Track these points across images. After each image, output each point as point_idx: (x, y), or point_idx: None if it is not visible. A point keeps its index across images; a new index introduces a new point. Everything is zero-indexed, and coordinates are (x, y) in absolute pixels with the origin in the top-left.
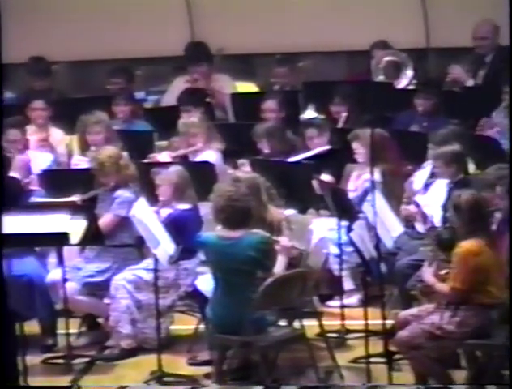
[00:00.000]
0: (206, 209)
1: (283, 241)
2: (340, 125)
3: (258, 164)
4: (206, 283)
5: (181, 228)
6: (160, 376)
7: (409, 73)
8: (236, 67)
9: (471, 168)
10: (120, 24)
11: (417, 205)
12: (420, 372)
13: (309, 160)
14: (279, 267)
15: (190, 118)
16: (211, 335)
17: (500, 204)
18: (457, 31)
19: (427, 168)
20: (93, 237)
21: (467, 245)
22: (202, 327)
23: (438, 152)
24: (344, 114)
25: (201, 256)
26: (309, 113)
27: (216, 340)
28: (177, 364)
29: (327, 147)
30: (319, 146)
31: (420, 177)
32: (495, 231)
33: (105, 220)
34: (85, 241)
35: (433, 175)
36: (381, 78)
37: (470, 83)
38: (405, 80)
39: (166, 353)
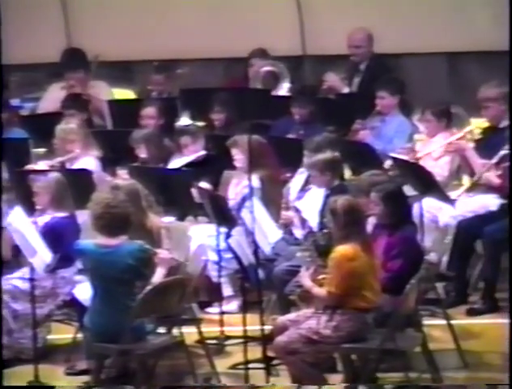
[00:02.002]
0: (84, 217)
1: (163, 253)
2: (218, 131)
3: (136, 171)
4: (84, 291)
5: (59, 237)
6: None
7: (286, 85)
8: (113, 74)
9: (347, 174)
10: None
11: (296, 210)
12: (296, 376)
13: (187, 167)
14: (158, 277)
15: (68, 125)
16: (90, 343)
17: (374, 209)
18: (333, 39)
19: (303, 174)
20: None
21: (342, 250)
22: (80, 336)
23: (312, 160)
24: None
25: (79, 264)
26: (185, 121)
27: (95, 349)
28: (55, 374)
29: (203, 153)
30: (194, 153)
31: (297, 183)
32: (369, 236)
33: None
34: None
35: (308, 182)
36: (259, 87)
37: (345, 90)
38: (282, 91)
39: (43, 363)
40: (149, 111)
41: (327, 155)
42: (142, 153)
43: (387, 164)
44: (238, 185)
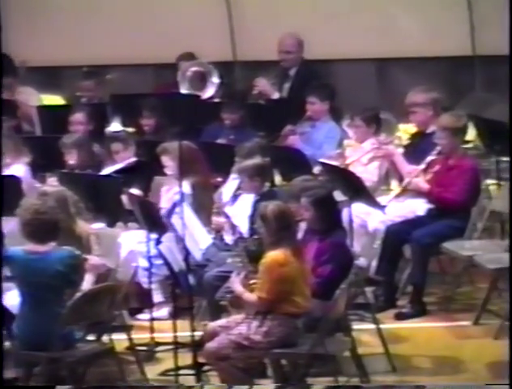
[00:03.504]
0: (12, 224)
1: (93, 259)
2: (148, 137)
3: (66, 177)
4: (12, 298)
5: None
6: None
7: (215, 80)
8: (41, 80)
9: (278, 179)
10: None
11: (227, 216)
12: (227, 382)
13: (117, 173)
14: (87, 284)
15: None
16: (18, 351)
17: (304, 215)
18: (263, 44)
19: (234, 180)
20: None
21: (273, 255)
22: (8, 343)
23: (242, 166)
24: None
25: (7, 271)
26: (115, 126)
27: (23, 357)
28: None
29: (134, 160)
30: (125, 159)
31: (228, 189)
32: (300, 241)
33: None
34: None
35: (240, 187)
36: (187, 88)
37: (275, 95)
38: (211, 89)
39: None
40: (78, 117)
41: (257, 160)
42: (72, 159)
43: (317, 169)
44: (169, 192)
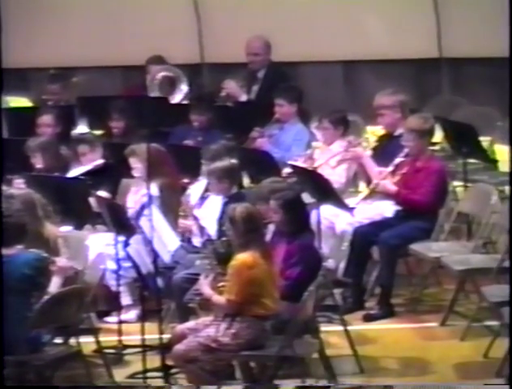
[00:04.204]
0: None
1: (61, 261)
2: (116, 140)
3: (33, 180)
4: None
5: None
6: None
7: (184, 88)
8: (7, 82)
9: (246, 181)
10: None
11: (195, 218)
12: (195, 384)
13: (84, 175)
14: (54, 286)
15: None
16: None
17: (273, 217)
18: (231, 47)
19: (202, 181)
20: None
21: (241, 257)
22: None
23: (210, 168)
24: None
25: None
26: (82, 129)
27: None
28: None
29: (101, 162)
30: (92, 161)
31: (195, 191)
32: (269, 243)
33: None
34: None
35: (208, 189)
36: (156, 93)
37: (243, 98)
38: (180, 95)
39: None
40: (45, 119)
41: (225, 162)
42: (39, 162)
43: (285, 171)
44: (137, 194)
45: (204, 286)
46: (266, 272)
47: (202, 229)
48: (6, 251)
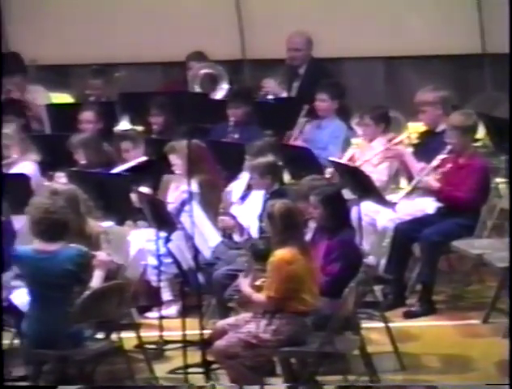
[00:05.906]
0: (21, 222)
1: (101, 255)
2: (156, 135)
3: (75, 175)
4: (21, 297)
5: None
6: None
7: (225, 86)
8: (50, 78)
9: (287, 178)
10: None
11: (233, 217)
12: (235, 380)
13: (126, 171)
14: (96, 281)
15: (4, 130)
16: (27, 350)
17: (313, 213)
18: (272, 43)
19: (244, 178)
20: None
21: (280, 253)
22: (17, 342)
23: (253, 164)
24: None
25: (16, 269)
26: (124, 125)
27: (32, 355)
28: None
29: (144, 159)
30: (135, 158)
31: (237, 188)
32: (309, 240)
33: None
34: None
35: (249, 186)
36: (197, 90)
37: (283, 95)
38: (221, 92)
39: None
40: (87, 115)
41: (268, 158)
42: (81, 159)
43: (326, 168)
44: (177, 190)
45: (243, 285)
46: (305, 268)
47: (241, 227)
48: (48, 247)
